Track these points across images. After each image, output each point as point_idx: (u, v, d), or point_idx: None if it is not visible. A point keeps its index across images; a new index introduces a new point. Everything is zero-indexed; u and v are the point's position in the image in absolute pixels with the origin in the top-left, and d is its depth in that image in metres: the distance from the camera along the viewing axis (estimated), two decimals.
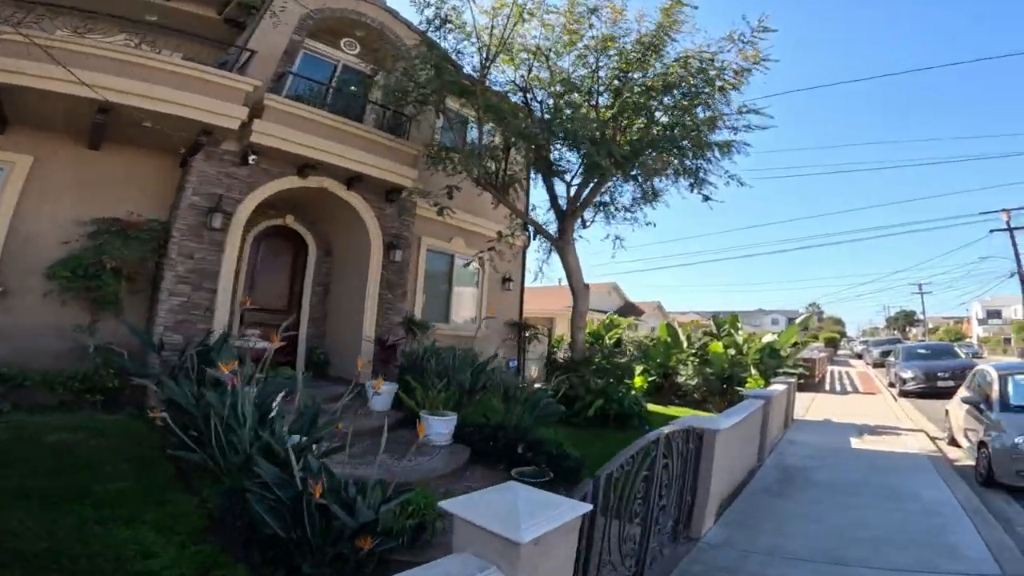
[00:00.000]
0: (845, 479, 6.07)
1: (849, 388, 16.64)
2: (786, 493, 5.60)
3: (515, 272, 13.21)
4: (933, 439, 8.78)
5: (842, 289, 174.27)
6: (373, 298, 8.15)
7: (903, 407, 12.71)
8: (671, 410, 10.70)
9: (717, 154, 7.76)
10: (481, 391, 6.89)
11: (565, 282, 10.04)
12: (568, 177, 9.23)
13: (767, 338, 10.96)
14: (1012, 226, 39.98)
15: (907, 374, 14.58)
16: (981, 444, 6.06)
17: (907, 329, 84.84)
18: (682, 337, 11.69)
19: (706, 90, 7.62)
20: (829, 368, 27.00)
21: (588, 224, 9.78)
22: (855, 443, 8.20)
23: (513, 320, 13.07)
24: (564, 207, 9.25)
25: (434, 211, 8.29)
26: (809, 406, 12.68)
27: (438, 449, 5.57)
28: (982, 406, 6.46)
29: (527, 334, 13.85)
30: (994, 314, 69.20)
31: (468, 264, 10.81)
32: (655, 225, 9.87)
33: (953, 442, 8.00)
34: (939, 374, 14.06)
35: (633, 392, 8.85)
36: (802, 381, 15.93)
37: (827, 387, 17.10)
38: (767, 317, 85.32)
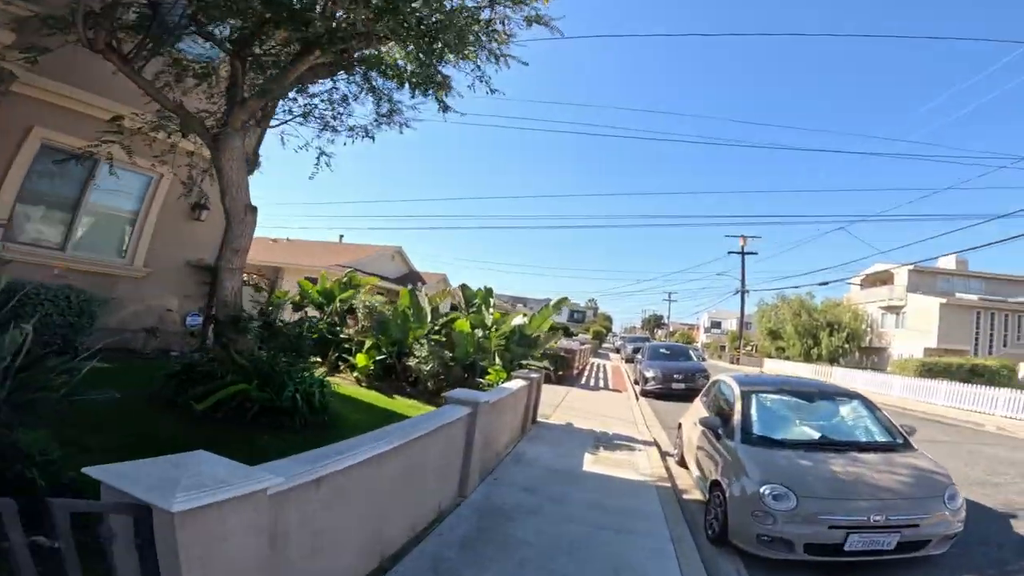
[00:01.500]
0: (560, 537, 4.15)
1: (601, 384, 16.73)
2: (468, 570, 3.36)
3: (215, 197, 9.30)
4: (664, 455, 7.97)
5: (619, 286, 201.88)
6: None
7: (643, 409, 12.58)
8: (397, 403, 8.25)
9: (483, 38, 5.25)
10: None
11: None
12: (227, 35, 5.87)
13: (517, 320, 9.35)
14: (745, 250, 49.07)
15: (649, 373, 14.88)
16: (715, 485, 4.74)
17: (655, 331, 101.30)
18: (427, 308, 9.43)
19: None
20: (592, 360, 28.63)
21: (289, 121, 6.60)
22: (588, 462, 6.74)
23: (204, 262, 9.16)
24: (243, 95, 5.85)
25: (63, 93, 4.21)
26: (560, 403, 11.62)
27: None
28: (720, 430, 5.23)
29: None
30: (716, 325, 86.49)
31: (108, 168, 6.71)
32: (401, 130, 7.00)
33: (683, 462, 7.08)
34: (674, 375, 14.60)
35: (312, 375, 6.05)
36: (560, 373, 15.27)
37: (583, 380, 16.97)
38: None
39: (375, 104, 7.02)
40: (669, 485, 6.23)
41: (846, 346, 36.10)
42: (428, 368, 8.40)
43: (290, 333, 6.30)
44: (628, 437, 8.62)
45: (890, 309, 37.97)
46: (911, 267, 36.77)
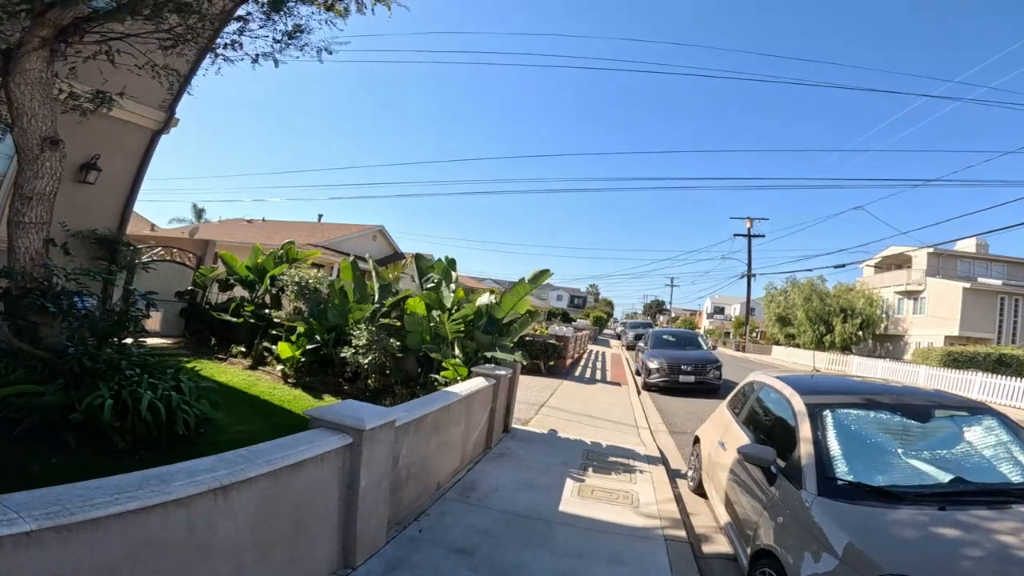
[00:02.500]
0: None
1: (598, 375, 14.75)
2: None
3: (118, 159, 7.38)
4: (674, 476, 6.01)
5: (621, 269, 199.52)
6: None
7: (645, 407, 10.61)
8: (327, 400, 6.30)
9: None
10: None
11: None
12: None
13: (483, 299, 7.21)
14: (751, 233, 46.88)
15: (653, 364, 12.88)
16: (764, 555, 2.79)
17: (657, 316, 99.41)
18: (374, 286, 7.39)
19: None
20: (590, 348, 26.67)
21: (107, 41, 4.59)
22: (568, 495, 4.77)
23: (102, 232, 7.23)
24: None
25: None
26: (546, 401, 9.65)
27: None
28: (773, 468, 3.23)
29: (143, 259, 8.06)
30: (719, 310, 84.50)
31: None
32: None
33: (701, 489, 5.12)
34: (682, 367, 12.61)
35: (176, 372, 4.12)
36: (552, 364, 13.32)
37: (578, 372, 14.99)
38: (553, 292, 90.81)
39: (264, 18, 5.07)
40: (683, 533, 4.26)
41: (860, 333, 34.06)
42: (367, 361, 6.42)
43: (130, 315, 4.31)
44: (627, 451, 6.65)
45: (907, 294, 35.81)
46: (930, 249, 34.59)
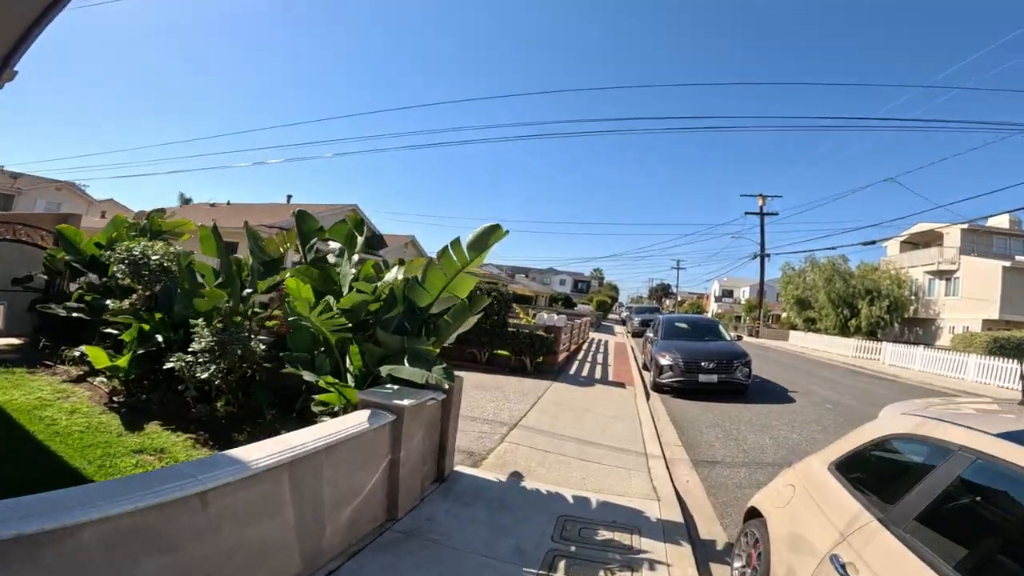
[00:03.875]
0: None
1: (598, 373, 12.22)
2: None
3: None
4: (706, 562, 3.53)
5: (625, 250, 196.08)
6: None
7: (657, 416, 8.09)
8: (122, 445, 3.81)
9: None
10: None
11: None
12: None
13: (392, 275, 4.44)
14: (764, 210, 43.90)
15: (665, 359, 10.34)
16: None
17: (663, 300, 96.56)
18: (248, 263, 4.91)
19: None
20: (592, 336, 24.16)
21: None
22: None
23: None
24: None
25: None
26: (523, 415, 7.18)
27: None
28: None
29: None
30: (728, 293, 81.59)
31: None
32: None
33: None
34: (702, 363, 10.05)
35: None
36: (540, 360, 10.83)
37: (574, 369, 12.46)
38: (556, 277, 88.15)
39: None
40: None
41: (887, 317, 31.30)
42: (207, 374, 3.94)
43: None
44: (630, 513, 4.14)
45: (939, 274, 32.88)
46: (964, 225, 31.58)
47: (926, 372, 19.67)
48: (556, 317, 11.20)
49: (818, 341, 29.86)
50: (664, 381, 10.20)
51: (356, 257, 4.51)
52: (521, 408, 7.48)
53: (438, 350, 3.97)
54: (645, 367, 14.06)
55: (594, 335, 25.62)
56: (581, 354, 15.85)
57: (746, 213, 46.44)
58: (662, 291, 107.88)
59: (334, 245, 4.62)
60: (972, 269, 30.73)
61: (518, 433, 6.21)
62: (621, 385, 10.72)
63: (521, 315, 13.33)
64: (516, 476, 4.75)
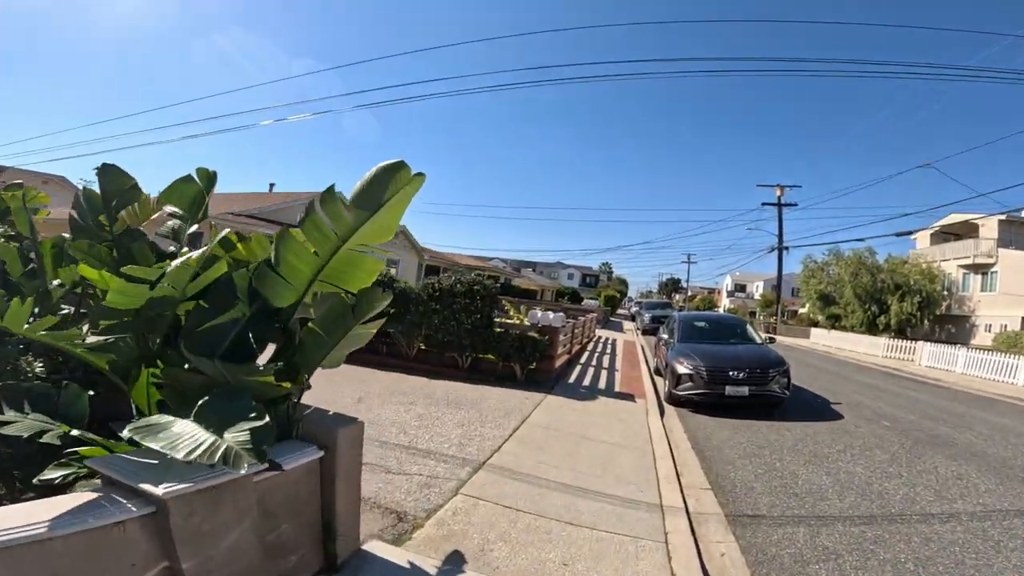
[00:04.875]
0: None
1: (602, 382, 10.42)
2: None
3: None
4: None
5: (635, 244, 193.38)
6: None
7: (674, 442, 6.30)
8: None
9: None
10: None
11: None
12: None
13: (192, 255, 2.81)
14: (782, 202, 41.68)
15: (683, 367, 8.54)
16: None
17: (673, 295, 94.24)
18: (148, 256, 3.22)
19: None
20: (599, 334, 22.35)
21: None
22: None
23: None
24: None
25: None
26: (499, 446, 5.47)
27: None
28: None
29: None
30: (741, 288, 79.15)
31: None
32: None
33: None
34: (730, 372, 8.23)
35: None
36: (534, 367, 9.09)
37: (574, 376, 10.68)
38: (564, 271, 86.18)
39: None
40: None
41: (917, 314, 29.11)
42: None
43: None
44: None
45: (974, 268, 30.59)
46: (1002, 216, 29.25)
47: (970, 376, 17.62)
48: (552, 315, 9.43)
49: (844, 339, 27.76)
50: (682, 393, 8.41)
51: (195, 230, 2.77)
52: (497, 435, 5.74)
53: (288, 386, 2.23)
54: (657, 372, 12.26)
55: (601, 333, 23.81)
56: (585, 356, 14.07)
57: (763, 204, 44.43)
58: (672, 285, 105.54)
59: (170, 210, 2.89)
60: (1011, 263, 28.44)
61: (483, 477, 4.47)
62: (630, 397, 8.94)
63: (512, 312, 11.58)
64: (457, 563, 3.02)
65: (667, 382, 9.15)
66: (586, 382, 10.02)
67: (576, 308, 27.07)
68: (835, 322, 32.55)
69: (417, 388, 7.76)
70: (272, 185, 22.44)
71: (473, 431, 5.79)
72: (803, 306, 41.62)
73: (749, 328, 10.62)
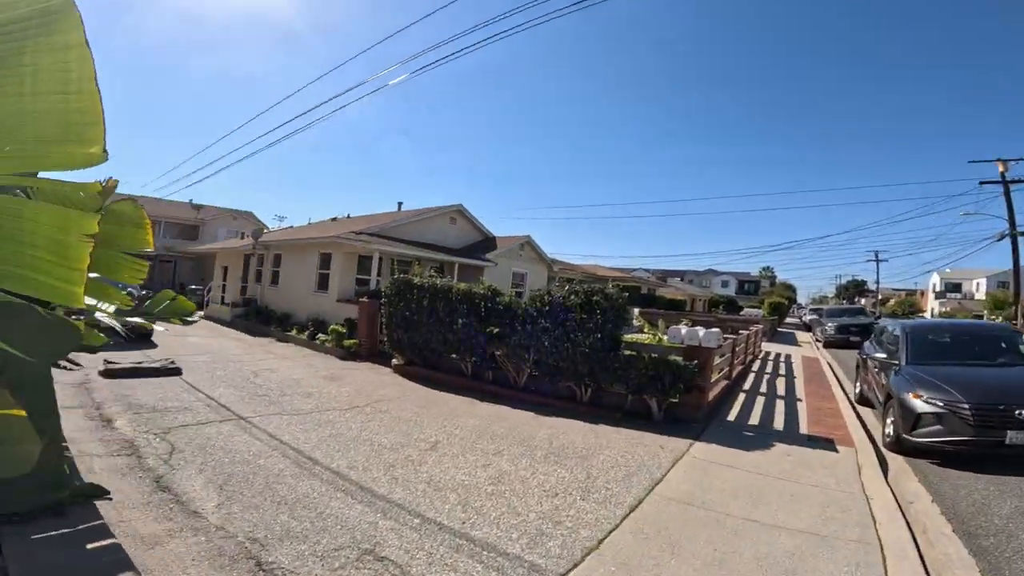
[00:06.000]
0: None
1: (779, 417, 7.46)
2: None
3: None
4: None
5: (797, 251, 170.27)
6: None
7: (925, 534, 3.59)
8: None
9: None
10: None
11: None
12: None
13: None
14: (1008, 178, 32.09)
15: (926, 404, 5.48)
16: None
17: (856, 299, 79.36)
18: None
19: None
20: (765, 348, 18.38)
21: None
22: None
23: None
24: None
25: None
26: (602, 540, 3.42)
27: None
28: None
29: None
30: (954, 287, 63.56)
31: None
32: None
33: None
34: (1016, 412, 5.00)
35: None
36: (675, 401, 6.80)
37: (734, 413, 7.87)
38: (717, 279, 78.17)
39: None
40: None
41: None
42: None
43: None
44: None
45: None
46: None
47: None
48: (703, 332, 7.02)
49: None
50: (924, 441, 5.36)
51: None
52: (603, 516, 3.66)
53: None
54: (862, 400, 8.87)
55: (768, 346, 19.64)
56: (750, 379, 10.96)
57: (981, 183, 34.65)
58: (855, 288, 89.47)
59: None
60: None
61: None
62: (827, 444, 6.07)
63: (647, 330, 9.28)
64: None
65: (891, 421, 6.08)
66: (753, 419, 7.26)
67: (734, 319, 23.14)
68: None
69: (515, 429, 5.98)
70: (400, 204, 22.72)
71: (567, 506, 3.81)
72: None
73: (1022, 342, 6.86)
